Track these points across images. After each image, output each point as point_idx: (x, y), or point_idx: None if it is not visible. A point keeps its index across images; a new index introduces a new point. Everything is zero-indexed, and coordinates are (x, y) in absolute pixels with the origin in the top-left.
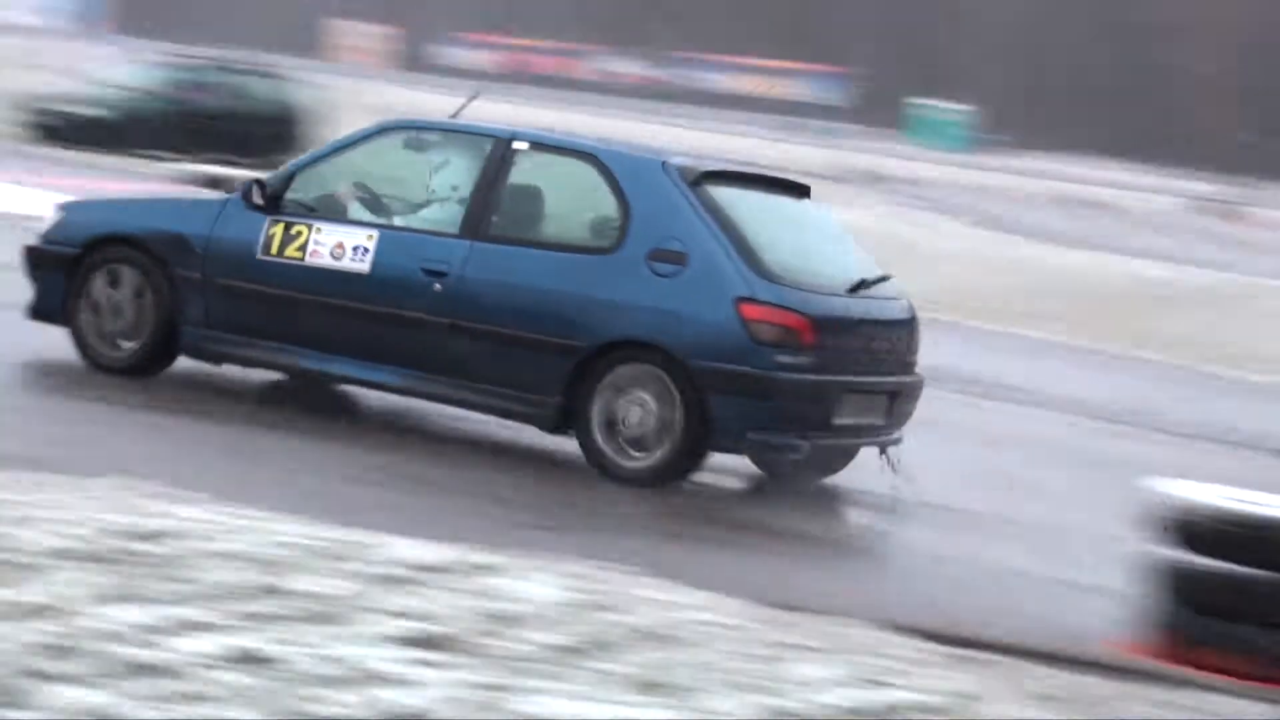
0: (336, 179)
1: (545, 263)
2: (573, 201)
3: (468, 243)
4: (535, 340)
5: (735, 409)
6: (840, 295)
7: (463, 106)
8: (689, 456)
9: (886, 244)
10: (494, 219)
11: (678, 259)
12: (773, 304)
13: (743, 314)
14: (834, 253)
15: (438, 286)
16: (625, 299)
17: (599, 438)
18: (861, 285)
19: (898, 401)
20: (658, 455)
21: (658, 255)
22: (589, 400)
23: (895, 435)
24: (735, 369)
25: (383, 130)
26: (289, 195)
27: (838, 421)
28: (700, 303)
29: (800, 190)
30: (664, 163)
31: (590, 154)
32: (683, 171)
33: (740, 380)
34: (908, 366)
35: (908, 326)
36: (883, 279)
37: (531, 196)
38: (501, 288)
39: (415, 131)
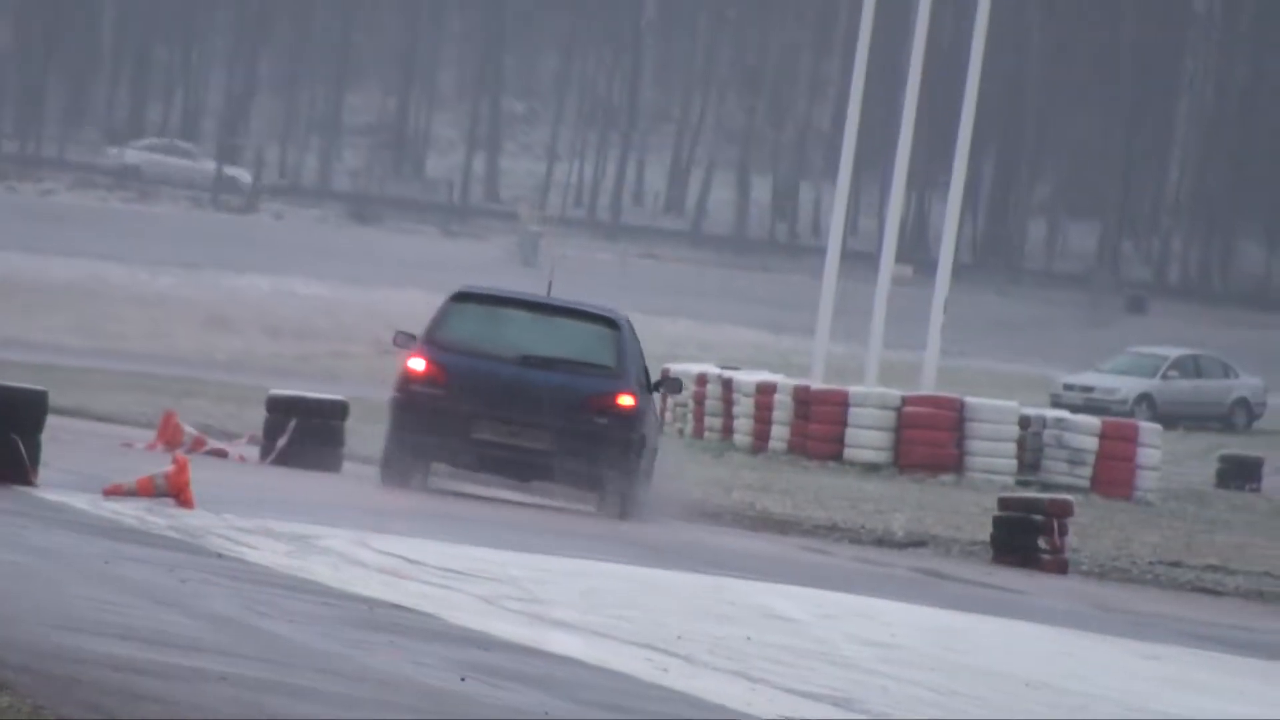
0: None
1: None
2: None
3: None
4: None
5: (394, 423)
6: (503, 362)
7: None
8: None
9: None
10: None
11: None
12: (423, 357)
13: (406, 363)
14: (538, 343)
15: None
16: None
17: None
18: (528, 361)
19: (567, 438)
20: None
21: None
22: None
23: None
24: (392, 395)
25: None
26: None
27: (477, 436)
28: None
29: (565, 312)
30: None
31: None
32: (454, 294)
33: (393, 404)
34: (586, 420)
35: (569, 391)
36: (560, 360)
37: None
38: None
39: None
